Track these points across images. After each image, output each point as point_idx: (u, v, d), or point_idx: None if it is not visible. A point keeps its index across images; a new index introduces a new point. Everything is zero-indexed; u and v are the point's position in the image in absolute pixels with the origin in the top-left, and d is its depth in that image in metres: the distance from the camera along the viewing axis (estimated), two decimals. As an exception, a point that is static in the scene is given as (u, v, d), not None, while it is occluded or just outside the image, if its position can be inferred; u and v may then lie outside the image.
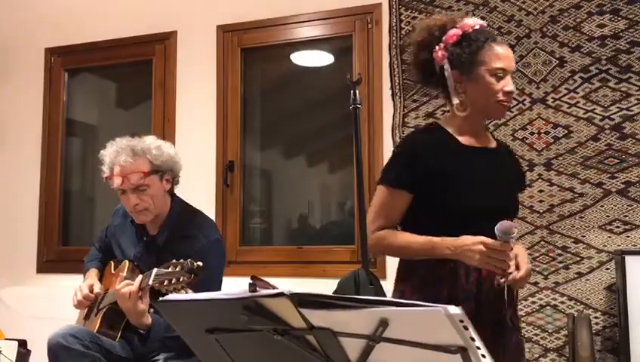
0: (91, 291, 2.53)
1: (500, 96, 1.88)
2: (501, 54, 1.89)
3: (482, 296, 1.83)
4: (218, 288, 2.42)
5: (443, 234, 1.82)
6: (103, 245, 2.76)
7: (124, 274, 2.46)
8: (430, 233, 1.84)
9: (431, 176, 1.86)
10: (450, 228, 1.81)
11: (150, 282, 2.20)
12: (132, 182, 2.41)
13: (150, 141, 2.52)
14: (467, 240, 1.76)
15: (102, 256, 2.74)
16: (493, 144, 2.03)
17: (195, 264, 2.14)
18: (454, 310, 1.00)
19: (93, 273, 2.66)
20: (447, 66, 1.89)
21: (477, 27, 1.92)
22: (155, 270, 2.20)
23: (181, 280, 2.14)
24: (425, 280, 1.87)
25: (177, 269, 2.16)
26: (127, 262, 2.51)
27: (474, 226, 1.78)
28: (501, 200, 1.91)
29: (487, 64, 1.87)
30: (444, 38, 1.91)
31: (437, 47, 1.91)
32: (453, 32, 1.90)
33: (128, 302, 2.25)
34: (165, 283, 2.16)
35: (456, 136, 1.94)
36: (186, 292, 2.15)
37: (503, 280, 1.75)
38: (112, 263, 2.69)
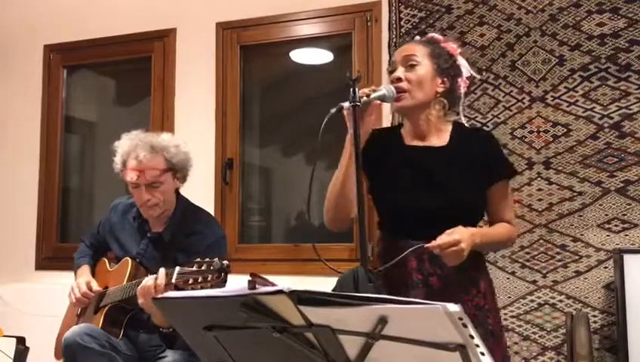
0: (89, 288, 2.53)
1: None
2: (395, 53, 2.05)
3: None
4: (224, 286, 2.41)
5: (384, 229, 2.01)
6: (94, 241, 2.74)
7: (129, 272, 2.45)
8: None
9: (369, 169, 1.95)
10: (386, 226, 2.01)
11: (173, 280, 2.14)
12: (147, 178, 2.41)
13: (168, 138, 2.52)
14: None
15: (92, 252, 2.72)
16: (442, 142, 2.00)
17: (224, 263, 2.10)
18: (453, 308, 1.00)
19: (86, 269, 2.64)
20: None
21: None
22: (177, 268, 2.15)
23: (209, 279, 2.09)
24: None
25: (204, 268, 2.10)
26: (129, 260, 2.50)
27: (403, 228, 1.90)
28: (430, 202, 1.91)
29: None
30: None
31: None
32: None
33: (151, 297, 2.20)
34: (191, 282, 2.10)
35: (403, 136, 2.03)
36: None
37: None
38: (106, 260, 2.67)
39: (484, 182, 1.98)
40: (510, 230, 2.04)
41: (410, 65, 1.95)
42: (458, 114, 2.08)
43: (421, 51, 1.97)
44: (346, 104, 1.78)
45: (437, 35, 2.08)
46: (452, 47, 2.03)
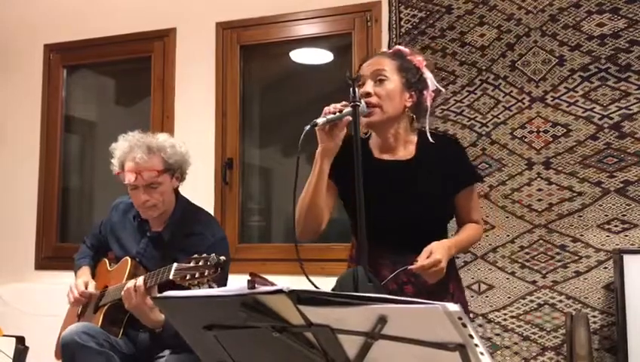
0: (87, 289, 2.53)
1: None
2: (362, 67, 2.04)
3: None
4: (225, 285, 2.42)
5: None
6: (95, 242, 2.74)
7: (128, 271, 2.45)
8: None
9: (339, 178, 1.97)
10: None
11: (171, 276, 2.16)
12: (145, 179, 2.41)
13: (164, 139, 2.51)
14: None
15: (93, 253, 2.72)
16: (409, 154, 2.04)
17: (220, 258, 2.13)
18: (453, 307, 1.00)
19: (86, 270, 2.65)
20: None
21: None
22: (175, 265, 2.17)
23: (206, 274, 2.12)
24: None
25: (201, 264, 2.13)
26: (128, 259, 2.50)
27: (376, 236, 1.88)
28: (400, 214, 1.97)
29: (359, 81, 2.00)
30: None
31: None
32: None
33: (134, 300, 2.24)
34: (188, 278, 2.13)
35: (371, 148, 2.05)
36: (211, 287, 2.13)
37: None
38: (107, 261, 2.67)
39: (452, 190, 2.06)
40: (479, 230, 2.14)
41: (379, 80, 1.97)
42: (424, 125, 2.11)
43: (390, 65, 1.99)
44: (320, 120, 1.81)
45: (403, 48, 2.10)
46: (418, 59, 2.06)
